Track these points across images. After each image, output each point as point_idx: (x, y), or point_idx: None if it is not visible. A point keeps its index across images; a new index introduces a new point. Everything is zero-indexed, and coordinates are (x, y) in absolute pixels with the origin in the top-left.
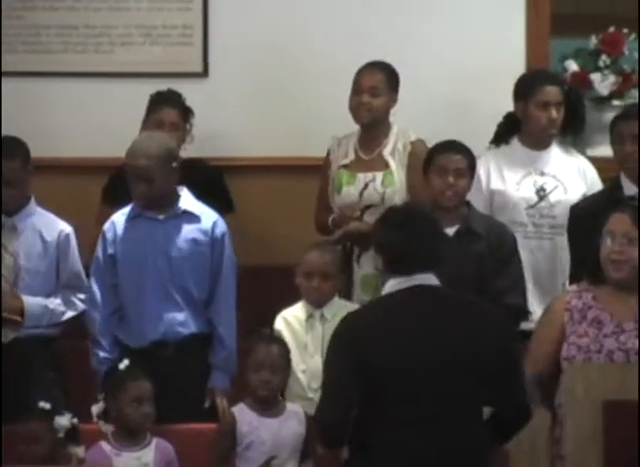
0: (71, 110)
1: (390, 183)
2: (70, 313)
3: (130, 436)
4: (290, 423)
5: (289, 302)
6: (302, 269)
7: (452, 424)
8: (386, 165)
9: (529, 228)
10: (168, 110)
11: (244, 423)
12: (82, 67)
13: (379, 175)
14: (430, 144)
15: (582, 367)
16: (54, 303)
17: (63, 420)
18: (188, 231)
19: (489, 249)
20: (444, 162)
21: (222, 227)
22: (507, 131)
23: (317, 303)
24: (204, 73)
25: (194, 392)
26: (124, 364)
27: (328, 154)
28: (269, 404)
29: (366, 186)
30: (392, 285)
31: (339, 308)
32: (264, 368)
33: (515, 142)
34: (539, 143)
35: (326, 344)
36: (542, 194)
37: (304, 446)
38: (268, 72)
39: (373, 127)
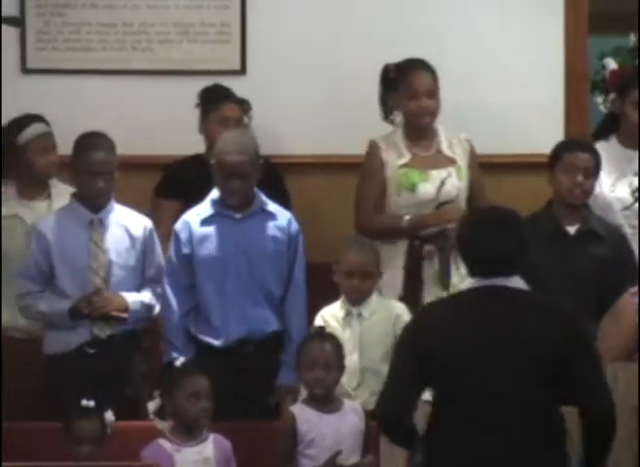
0: (109, 108)
1: (462, 178)
2: (159, 307)
3: (188, 432)
4: (349, 419)
5: (334, 299)
6: (343, 267)
7: (514, 424)
8: (452, 161)
9: (626, 229)
10: (230, 106)
11: (304, 421)
12: (120, 65)
13: (453, 170)
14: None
15: (624, 367)
16: (147, 297)
17: (111, 416)
18: (267, 229)
19: (611, 251)
20: (573, 161)
21: (295, 224)
22: (607, 129)
23: (357, 300)
24: (242, 71)
25: (271, 389)
26: (180, 361)
27: (372, 154)
28: (327, 401)
29: (443, 182)
30: (467, 282)
31: (377, 306)
32: (317, 366)
33: (614, 140)
34: (634, 142)
35: (364, 342)
36: (637, 195)
37: (365, 441)
38: (307, 69)
39: (422, 128)
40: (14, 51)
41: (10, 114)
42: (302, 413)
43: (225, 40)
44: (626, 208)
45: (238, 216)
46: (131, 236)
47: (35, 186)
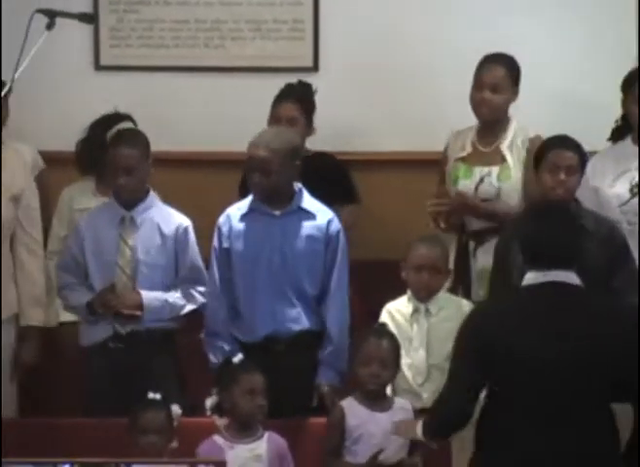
0: (181, 105)
1: (506, 178)
2: (190, 307)
3: (243, 428)
4: (398, 417)
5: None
6: (411, 262)
7: (572, 421)
8: (503, 159)
9: (624, 225)
10: (287, 105)
11: (353, 417)
12: (192, 62)
13: (495, 169)
14: None
15: None
16: (174, 296)
17: (178, 409)
18: (304, 228)
19: (599, 246)
20: (555, 159)
21: (337, 224)
22: (623, 128)
23: (425, 297)
24: (315, 68)
25: (303, 388)
26: (238, 358)
27: (445, 148)
28: (378, 398)
29: (481, 180)
30: (528, 279)
31: (445, 303)
32: (373, 362)
33: (629, 139)
34: None
35: (431, 339)
36: (636, 190)
37: (412, 440)
38: (380, 66)
39: (492, 122)
40: (87, 48)
41: (83, 111)
42: (352, 409)
43: (297, 37)
44: (623, 204)
45: (277, 213)
46: (163, 235)
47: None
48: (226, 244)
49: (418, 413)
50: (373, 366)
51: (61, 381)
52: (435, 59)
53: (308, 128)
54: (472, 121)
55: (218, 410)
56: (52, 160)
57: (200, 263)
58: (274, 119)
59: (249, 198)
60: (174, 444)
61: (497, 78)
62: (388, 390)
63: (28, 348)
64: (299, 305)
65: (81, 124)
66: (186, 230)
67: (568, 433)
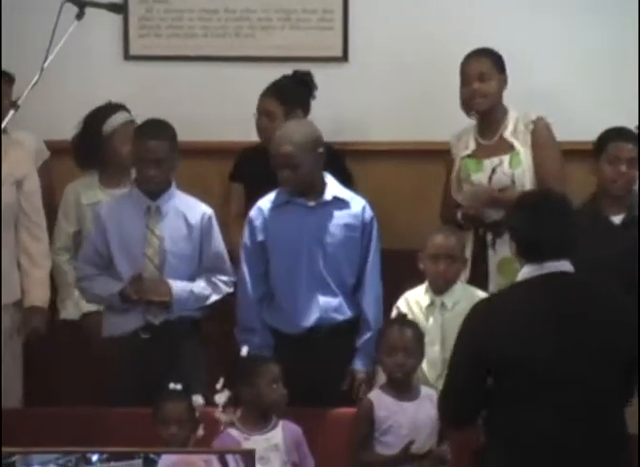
0: (210, 94)
1: (518, 164)
2: (215, 297)
3: (258, 420)
4: (426, 406)
5: (410, 287)
6: (428, 251)
7: (581, 414)
8: (511, 147)
9: None
10: (263, 99)
11: (382, 408)
12: (222, 51)
13: (506, 158)
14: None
15: None
16: (200, 286)
17: (200, 399)
18: (339, 216)
19: None
20: (616, 152)
21: (370, 211)
22: None
23: (442, 287)
24: (344, 58)
25: (341, 374)
26: (244, 350)
27: (449, 150)
28: (406, 388)
29: (494, 170)
30: (525, 272)
31: (461, 297)
32: (398, 351)
33: None
34: None
35: (446, 334)
36: None
37: (440, 428)
38: (410, 57)
39: (489, 114)
40: (116, 37)
41: (114, 99)
42: (380, 400)
43: (327, 27)
44: None
45: (311, 204)
46: (188, 225)
47: (118, 174)
48: (260, 237)
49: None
50: (397, 355)
51: (85, 371)
52: (466, 48)
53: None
54: None
55: (230, 403)
56: None
57: (224, 251)
58: (257, 113)
59: (279, 190)
60: (200, 432)
61: (482, 67)
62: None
63: (33, 326)
64: (340, 295)
65: None
66: (210, 218)
67: (575, 424)
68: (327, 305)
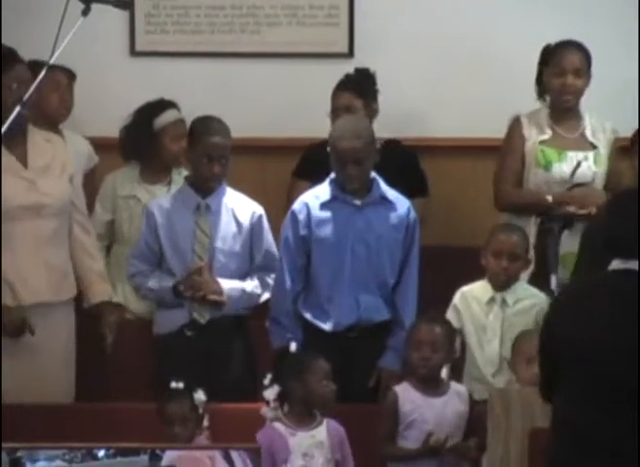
0: (217, 91)
1: (600, 164)
2: (267, 295)
3: (305, 416)
4: (453, 402)
5: (466, 283)
6: (492, 247)
7: (636, 407)
8: (592, 146)
9: None
10: (343, 94)
11: (407, 402)
12: (228, 48)
13: (591, 155)
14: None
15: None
16: (252, 285)
17: (202, 396)
18: (385, 217)
19: None
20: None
21: (414, 213)
22: None
23: (502, 283)
24: (350, 54)
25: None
26: (293, 346)
27: (514, 129)
28: (433, 383)
29: (579, 164)
30: (611, 265)
31: (523, 294)
32: (424, 346)
33: None
34: None
35: (505, 331)
36: None
37: (468, 424)
38: (416, 52)
39: (570, 108)
40: (123, 34)
41: (118, 97)
42: (406, 394)
43: (333, 23)
44: None
45: (358, 202)
46: (238, 223)
47: (159, 171)
48: (303, 232)
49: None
50: (423, 349)
51: (130, 370)
52: (472, 43)
53: (371, 113)
54: (522, 107)
55: (280, 399)
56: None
57: (275, 250)
58: (333, 110)
59: (324, 186)
60: (205, 423)
61: (578, 63)
62: (444, 375)
63: (111, 322)
64: (380, 295)
65: (115, 110)
66: (260, 217)
67: (632, 420)
68: (367, 304)
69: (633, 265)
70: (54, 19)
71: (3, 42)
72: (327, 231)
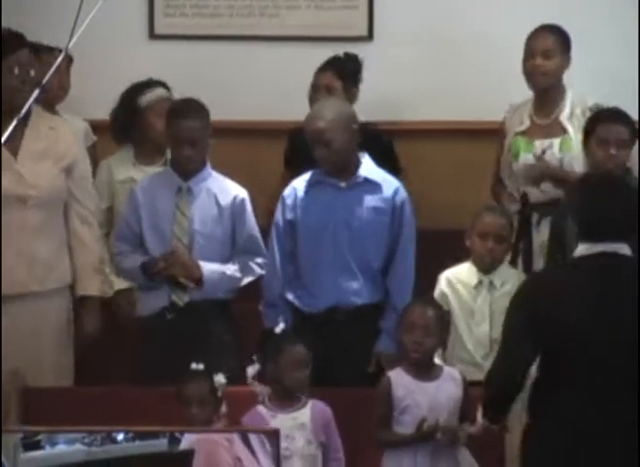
0: (235, 74)
1: (568, 149)
2: (247, 279)
3: (286, 398)
4: (446, 386)
5: (454, 265)
6: (477, 229)
7: (626, 391)
8: (564, 131)
9: None
10: (326, 74)
11: (400, 387)
12: (247, 31)
13: (557, 141)
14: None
15: None
16: (232, 269)
17: (222, 379)
18: (369, 199)
19: None
20: (605, 134)
21: (402, 194)
22: None
23: (488, 265)
24: (369, 37)
25: (362, 356)
26: (280, 328)
27: (503, 122)
28: (425, 367)
29: (543, 152)
30: (580, 250)
31: (509, 276)
32: (417, 329)
33: None
34: None
35: (494, 313)
36: None
37: (462, 408)
38: (435, 35)
39: (547, 92)
40: (142, 17)
41: (137, 80)
42: (399, 379)
43: (352, 6)
44: None
45: (342, 184)
46: (220, 206)
47: (153, 152)
48: (290, 216)
49: (483, 383)
50: (416, 333)
51: (117, 350)
52: (491, 28)
53: (349, 97)
54: (527, 92)
55: (260, 378)
56: (105, 129)
57: (258, 234)
58: (313, 87)
59: (315, 170)
60: (223, 409)
61: (548, 44)
62: (437, 359)
63: (89, 318)
64: (361, 278)
65: None
66: (243, 201)
67: (621, 404)
68: (347, 287)
69: (617, 247)
70: (74, 2)
71: (20, 26)
72: (309, 213)
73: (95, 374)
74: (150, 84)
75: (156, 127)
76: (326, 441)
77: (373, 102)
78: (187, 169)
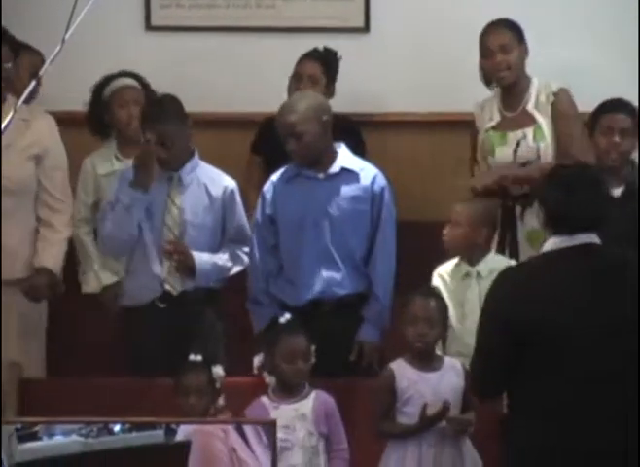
0: (231, 65)
1: (541, 137)
2: (237, 268)
3: (287, 389)
4: (448, 377)
5: (428, 258)
6: (451, 219)
7: (606, 379)
8: (533, 120)
9: None
10: (310, 63)
11: (403, 378)
12: (243, 22)
13: (530, 131)
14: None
15: None
16: (222, 258)
17: (220, 370)
18: (348, 189)
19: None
20: (609, 122)
21: (381, 181)
22: None
23: (463, 252)
24: (366, 29)
25: (347, 346)
26: (284, 318)
27: (473, 122)
28: (427, 358)
29: (518, 144)
30: (552, 243)
31: (495, 264)
32: (420, 321)
33: None
34: None
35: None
36: None
37: (464, 398)
38: (431, 28)
39: (515, 84)
40: (138, 8)
41: (134, 70)
42: (401, 370)
43: None
44: None
45: (321, 176)
46: (210, 196)
47: (132, 145)
48: (269, 211)
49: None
50: (419, 325)
51: (105, 341)
52: (487, 19)
53: (328, 91)
54: None
55: (265, 368)
56: None
57: (247, 224)
58: (296, 76)
59: (292, 164)
60: (220, 401)
61: (503, 39)
62: (438, 350)
63: (33, 285)
64: (344, 269)
65: None
66: (233, 191)
67: (600, 394)
68: (330, 279)
69: (587, 238)
70: None
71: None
72: (289, 207)
73: (85, 365)
74: (115, 75)
75: (117, 115)
76: (328, 432)
77: (371, 93)
78: (162, 169)
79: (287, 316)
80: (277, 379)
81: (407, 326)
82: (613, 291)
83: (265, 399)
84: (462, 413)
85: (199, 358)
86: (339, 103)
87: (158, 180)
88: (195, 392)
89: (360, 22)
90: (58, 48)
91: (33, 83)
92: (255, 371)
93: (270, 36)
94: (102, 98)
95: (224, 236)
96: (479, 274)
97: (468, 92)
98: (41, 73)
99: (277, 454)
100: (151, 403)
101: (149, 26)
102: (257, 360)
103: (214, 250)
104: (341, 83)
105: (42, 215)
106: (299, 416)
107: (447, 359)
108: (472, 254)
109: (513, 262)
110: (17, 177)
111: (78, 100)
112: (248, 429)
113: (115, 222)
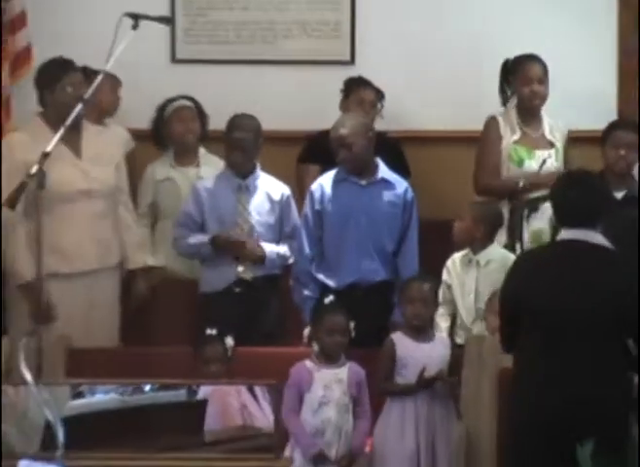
0: (242, 90)
1: (559, 159)
2: (292, 258)
3: (327, 357)
4: (438, 347)
5: (441, 251)
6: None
7: (583, 359)
8: (551, 144)
9: None
10: (369, 91)
11: (402, 348)
12: (251, 56)
13: (553, 152)
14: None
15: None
16: (283, 249)
17: (230, 341)
18: (385, 195)
19: None
20: (617, 138)
21: (411, 192)
22: None
23: (467, 242)
24: (351, 61)
25: (377, 324)
26: (329, 299)
27: (491, 127)
28: (422, 332)
29: (544, 161)
30: (561, 234)
31: (492, 256)
32: (416, 301)
33: None
34: None
35: (479, 286)
36: None
37: (449, 365)
38: (408, 62)
39: (536, 111)
40: (165, 44)
41: (161, 95)
42: (401, 341)
43: (337, 36)
44: None
45: (363, 183)
46: (271, 201)
47: (186, 155)
48: (318, 207)
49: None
50: (416, 305)
51: (172, 322)
52: (459, 54)
53: (378, 114)
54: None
55: (311, 339)
56: (144, 137)
57: (299, 223)
58: (357, 102)
59: (339, 169)
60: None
61: (540, 72)
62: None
63: (138, 287)
64: (378, 259)
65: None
66: (289, 197)
67: (578, 368)
68: (366, 267)
69: (579, 234)
70: (109, 32)
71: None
72: (336, 205)
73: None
74: (177, 98)
75: (175, 129)
76: (357, 395)
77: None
78: (239, 172)
79: (331, 298)
80: (319, 349)
81: (405, 305)
82: (590, 282)
83: (308, 362)
84: (449, 375)
85: (214, 332)
86: (327, 124)
87: (228, 188)
88: (215, 361)
89: (347, 56)
90: (100, 77)
91: (80, 105)
92: (305, 340)
93: (273, 67)
94: (164, 116)
95: (282, 233)
96: (478, 263)
97: (444, 116)
98: (86, 96)
99: (317, 407)
100: (181, 367)
101: (175, 59)
102: (306, 331)
103: (276, 243)
104: (331, 106)
105: (120, 212)
106: (337, 380)
107: (438, 334)
108: (472, 245)
109: (510, 254)
110: (108, 183)
111: (126, 119)
112: (258, 390)
113: (193, 254)
